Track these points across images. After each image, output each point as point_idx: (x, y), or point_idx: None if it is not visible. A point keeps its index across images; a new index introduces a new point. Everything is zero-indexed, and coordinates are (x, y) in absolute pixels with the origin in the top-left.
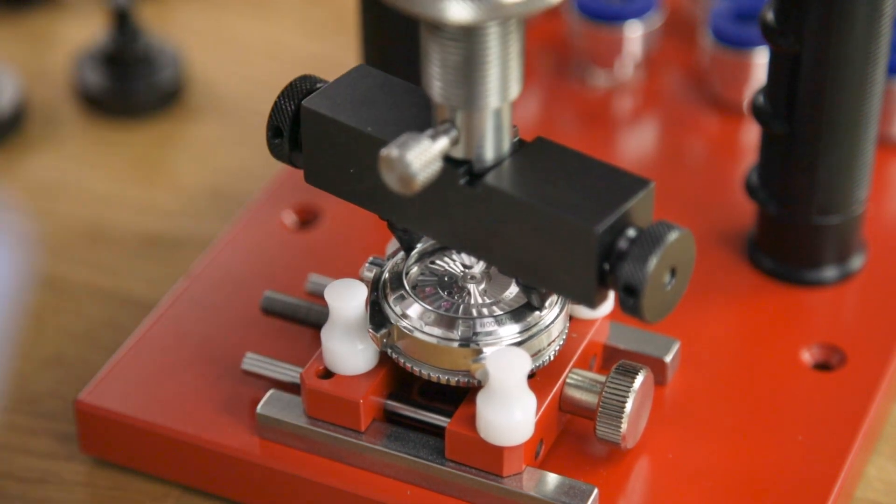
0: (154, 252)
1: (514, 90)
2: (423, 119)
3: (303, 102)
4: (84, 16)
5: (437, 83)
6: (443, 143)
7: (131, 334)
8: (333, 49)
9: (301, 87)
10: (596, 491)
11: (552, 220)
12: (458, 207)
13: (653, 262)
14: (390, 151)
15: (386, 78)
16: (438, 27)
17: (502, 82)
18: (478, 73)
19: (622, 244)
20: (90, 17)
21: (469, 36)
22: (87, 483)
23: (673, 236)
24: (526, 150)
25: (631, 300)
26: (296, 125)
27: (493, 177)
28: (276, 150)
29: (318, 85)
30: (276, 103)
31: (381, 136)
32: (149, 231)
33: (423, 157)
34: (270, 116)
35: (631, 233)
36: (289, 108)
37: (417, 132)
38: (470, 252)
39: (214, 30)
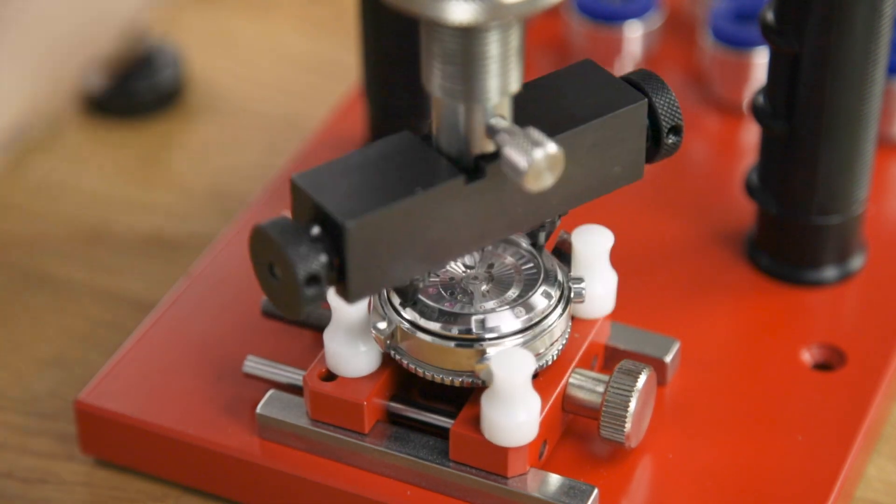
0: (154, 252)
1: (514, 87)
2: (421, 151)
3: (346, 224)
4: None
5: (437, 79)
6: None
7: (131, 334)
8: (333, 49)
9: (287, 226)
10: (596, 491)
11: (606, 125)
12: (517, 189)
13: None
14: (534, 155)
15: (336, 162)
16: (438, 27)
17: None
18: (478, 69)
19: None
20: None
21: (469, 35)
22: (87, 483)
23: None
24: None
25: (677, 139)
26: (331, 255)
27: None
28: (312, 299)
29: (284, 214)
30: (286, 256)
31: (431, 189)
32: (149, 231)
33: (542, 137)
34: (293, 269)
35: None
36: (310, 249)
37: (510, 130)
38: (527, 226)
39: (214, 30)
